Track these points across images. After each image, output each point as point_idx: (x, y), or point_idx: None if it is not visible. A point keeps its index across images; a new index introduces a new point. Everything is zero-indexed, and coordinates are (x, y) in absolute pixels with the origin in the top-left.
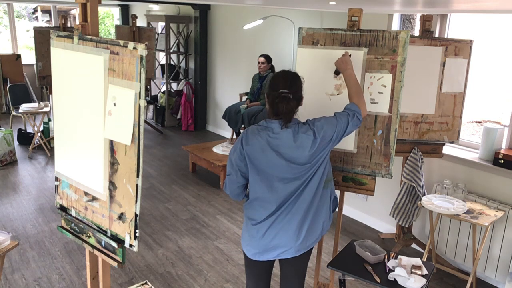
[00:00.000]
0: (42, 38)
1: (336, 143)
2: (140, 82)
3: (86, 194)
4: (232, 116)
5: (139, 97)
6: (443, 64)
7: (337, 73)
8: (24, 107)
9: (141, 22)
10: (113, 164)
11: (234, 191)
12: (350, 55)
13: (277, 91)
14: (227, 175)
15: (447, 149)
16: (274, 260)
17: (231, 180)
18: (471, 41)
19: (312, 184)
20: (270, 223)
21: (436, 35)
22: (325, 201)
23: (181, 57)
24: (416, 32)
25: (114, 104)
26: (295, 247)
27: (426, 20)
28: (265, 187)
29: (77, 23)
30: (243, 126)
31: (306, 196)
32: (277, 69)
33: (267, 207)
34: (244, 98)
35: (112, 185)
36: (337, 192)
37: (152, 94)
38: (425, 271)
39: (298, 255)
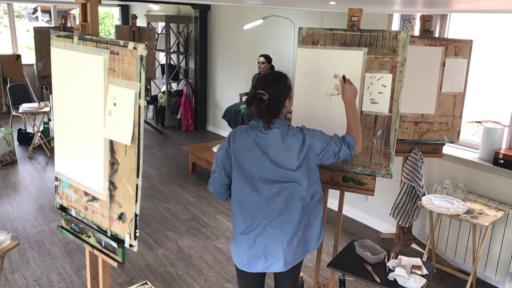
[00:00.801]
0: (42, 38)
1: (322, 161)
2: (140, 82)
3: (86, 194)
4: (232, 116)
5: (139, 97)
6: (443, 64)
7: (344, 78)
8: (24, 107)
9: (141, 22)
10: (113, 164)
11: (218, 190)
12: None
13: (255, 91)
14: (211, 173)
15: (447, 149)
16: (265, 273)
17: (215, 178)
18: (471, 41)
19: (300, 194)
20: (258, 232)
21: (436, 35)
22: (317, 217)
23: (181, 57)
24: (416, 32)
25: (114, 104)
26: (284, 259)
27: (426, 20)
28: (249, 187)
29: (77, 23)
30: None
31: (296, 208)
32: (277, 69)
33: (251, 210)
34: (244, 98)
35: (112, 185)
36: (337, 192)
37: (152, 94)
38: (425, 271)
39: (288, 269)
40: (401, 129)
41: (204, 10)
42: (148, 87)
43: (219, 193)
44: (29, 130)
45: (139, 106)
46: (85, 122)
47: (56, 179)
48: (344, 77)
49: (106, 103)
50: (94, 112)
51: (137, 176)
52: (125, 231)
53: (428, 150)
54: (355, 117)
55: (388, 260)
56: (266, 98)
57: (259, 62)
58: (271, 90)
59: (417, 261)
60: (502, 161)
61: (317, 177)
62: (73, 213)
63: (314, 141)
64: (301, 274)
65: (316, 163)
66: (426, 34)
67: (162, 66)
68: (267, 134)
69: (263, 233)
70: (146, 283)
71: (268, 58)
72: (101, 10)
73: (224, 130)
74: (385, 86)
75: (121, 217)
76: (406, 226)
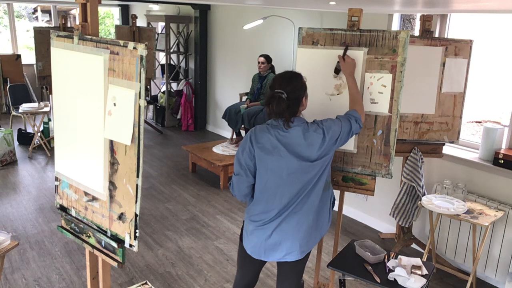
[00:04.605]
0: (42, 38)
1: (340, 145)
2: (140, 82)
3: (86, 194)
4: (232, 116)
5: (139, 97)
6: (443, 64)
7: (337, 72)
8: (24, 107)
9: (141, 22)
10: (113, 164)
11: (243, 191)
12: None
13: (273, 90)
14: (234, 175)
15: (447, 149)
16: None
17: (240, 180)
18: (471, 41)
19: (319, 185)
20: (277, 224)
21: (436, 35)
22: (326, 203)
23: (181, 57)
24: (416, 32)
25: (114, 104)
26: (300, 249)
27: (426, 20)
28: (274, 185)
29: (77, 23)
30: (243, 126)
31: (313, 198)
32: (277, 69)
33: (273, 207)
34: (244, 98)
35: (112, 185)
36: (337, 192)
37: (152, 94)
38: (425, 271)
39: (303, 257)
40: (401, 129)
41: (204, 10)
42: (148, 87)
43: (244, 194)
44: (29, 130)
45: (139, 106)
46: (85, 122)
47: (56, 179)
48: (346, 49)
49: (106, 103)
50: (94, 112)
51: (137, 176)
52: (125, 231)
53: (428, 150)
54: (357, 89)
55: (388, 260)
56: (285, 96)
57: (259, 62)
58: (289, 89)
59: (417, 261)
60: (502, 161)
61: (331, 160)
62: (73, 213)
63: (333, 131)
64: None
65: (335, 148)
66: (426, 34)
67: (162, 66)
68: (288, 132)
69: (281, 225)
70: (146, 283)
71: (268, 58)
72: (101, 10)
73: (224, 130)
74: (385, 86)
75: (121, 217)
76: (406, 226)
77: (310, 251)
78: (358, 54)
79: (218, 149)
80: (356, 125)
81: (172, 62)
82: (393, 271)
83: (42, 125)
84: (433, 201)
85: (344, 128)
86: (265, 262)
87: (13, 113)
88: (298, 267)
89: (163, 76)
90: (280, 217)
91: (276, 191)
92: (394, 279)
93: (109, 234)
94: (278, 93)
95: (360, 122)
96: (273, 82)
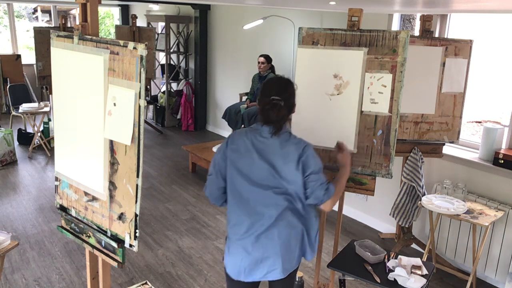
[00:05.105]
0: (42, 38)
1: (299, 186)
2: (140, 82)
3: (86, 194)
4: (232, 116)
5: (139, 97)
6: (443, 64)
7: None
8: (24, 107)
9: (141, 22)
10: (113, 164)
11: (213, 193)
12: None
13: (269, 97)
14: (208, 176)
15: (447, 149)
16: (259, 282)
17: (211, 181)
18: (471, 41)
19: (295, 204)
20: (255, 239)
21: (436, 35)
22: (313, 228)
23: (181, 57)
24: (416, 32)
25: (114, 104)
26: (282, 266)
27: (426, 20)
28: (244, 190)
29: (77, 23)
30: (243, 126)
31: (292, 215)
32: (277, 69)
33: (247, 215)
34: (244, 98)
35: (112, 185)
36: None
37: (152, 94)
38: (425, 271)
39: (286, 276)
40: (401, 129)
41: (204, 10)
42: (148, 87)
43: (214, 197)
44: (29, 130)
45: (139, 106)
46: (85, 122)
47: (56, 179)
48: (338, 144)
49: (106, 103)
50: (94, 112)
51: (137, 176)
52: (125, 231)
53: (428, 150)
54: (345, 179)
55: (388, 260)
56: (282, 104)
57: (259, 62)
58: (286, 96)
59: (417, 261)
60: (502, 161)
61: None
62: (73, 213)
63: (310, 158)
64: (301, 274)
65: (299, 186)
66: (426, 34)
67: (162, 66)
68: (267, 139)
69: (260, 239)
70: (146, 283)
71: (268, 58)
72: (101, 10)
73: (224, 130)
74: (385, 86)
75: (121, 217)
76: (406, 226)
77: (294, 273)
78: (358, 54)
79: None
80: (321, 192)
81: (172, 62)
82: (393, 271)
83: (42, 125)
84: (433, 201)
85: (319, 177)
86: (253, 284)
87: (13, 113)
88: (285, 285)
89: (163, 76)
90: (256, 230)
91: (247, 197)
92: (394, 279)
93: (109, 234)
94: (276, 101)
95: (326, 197)
96: (267, 89)
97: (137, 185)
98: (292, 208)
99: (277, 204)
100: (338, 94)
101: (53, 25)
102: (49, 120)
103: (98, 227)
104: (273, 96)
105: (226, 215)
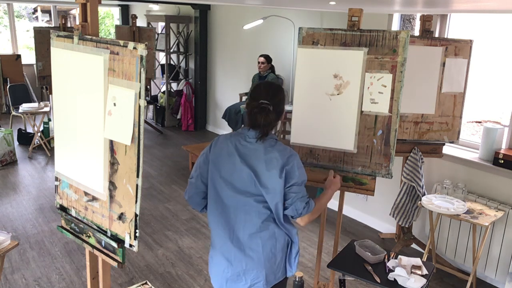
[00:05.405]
0: (42, 38)
1: (279, 196)
2: (140, 82)
3: (86, 194)
4: (232, 116)
5: (139, 97)
6: (443, 64)
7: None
8: (24, 107)
9: (141, 22)
10: (113, 164)
11: (193, 198)
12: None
13: (257, 101)
14: (189, 179)
15: (447, 149)
16: None
17: (191, 184)
18: (471, 41)
19: (276, 212)
20: (237, 248)
21: (436, 35)
22: (295, 241)
23: (181, 57)
24: (416, 32)
25: (114, 104)
26: (266, 279)
27: (426, 20)
28: (225, 196)
29: (77, 23)
30: (243, 126)
31: (276, 224)
32: (277, 69)
33: (229, 223)
34: (244, 98)
35: (112, 185)
36: (338, 192)
37: (152, 94)
38: (425, 271)
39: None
40: (401, 129)
41: (204, 10)
42: (148, 87)
43: (194, 201)
44: (29, 130)
45: (139, 106)
46: (85, 122)
47: (56, 179)
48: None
49: (106, 103)
50: (94, 112)
51: (137, 176)
52: (125, 231)
53: (428, 150)
54: (326, 202)
55: (388, 260)
56: (271, 108)
57: (259, 62)
58: (275, 101)
59: (417, 261)
60: (502, 161)
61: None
62: (73, 213)
63: (295, 168)
64: (301, 274)
65: (278, 194)
66: (426, 34)
67: (162, 66)
68: (250, 143)
69: (243, 250)
70: (146, 283)
71: (268, 58)
72: (101, 10)
73: (224, 130)
74: (385, 86)
75: (121, 217)
76: (406, 226)
77: (280, 282)
78: (358, 54)
79: None
80: (302, 205)
81: (172, 62)
82: (393, 271)
83: (42, 125)
84: (433, 201)
85: (300, 189)
86: None
87: (13, 113)
88: None
89: (163, 76)
90: (239, 239)
91: (228, 203)
92: (394, 279)
93: (109, 234)
94: (265, 105)
95: (305, 211)
96: (256, 93)
97: (137, 185)
98: (274, 218)
99: (259, 212)
100: (338, 94)
101: (53, 25)
102: (49, 120)
103: (98, 227)
104: (262, 100)
105: (208, 220)
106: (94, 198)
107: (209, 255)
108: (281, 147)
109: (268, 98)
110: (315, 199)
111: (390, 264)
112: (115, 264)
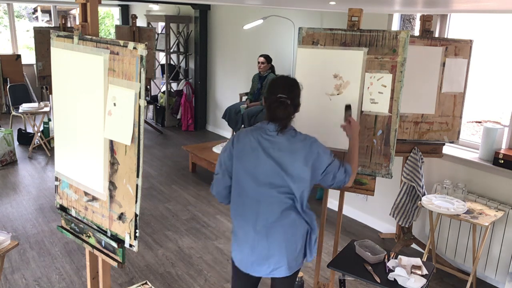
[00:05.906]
0: (42, 38)
1: (322, 181)
2: (140, 82)
3: (86, 194)
4: (232, 116)
5: (139, 97)
6: (443, 64)
7: (347, 110)
8: (24, 107)
9: (141, 22)
10: (113, 164)
11: (221, 193)
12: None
13: (276, 95)
14: (214, 175)
15: (447, 149)
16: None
17: (218, 180)
18: (471, 41)
19: (299, 201)
20: (262, 236)
21: (436, 35)
22: (315, 228)
23: (181, 57)
24: (416, 32)
25: (114, 104)
26: (288, 264)
27: (426, 20)
28: (250, 188)
29: (77, 23)
30: (243, 126)
31: (296, 214)
32: (277, 69)
33: (251, 213)
34: (244, 98)
35: (112, 185)
36: (337, 192)
37: (152, 94)
38: (425, 271)
39: (291, 273)
40: (401, 129)
41: (204, 10)
42: (148, 87)
43: (222, 196)
44: (29, 130)
45: (139, 106)
46: (85, 122)
47: (56, 179)
48: (348, 108)
49: (106, 103)
50: (94, 112)
51: (137, 176)
52: (125, 231)
53: (428, 150)
54: (357, 150)
55: (388, 260)
56: (289, 102)
57: (259, 62)
58: (292, 95)
59: (417, 261)
60: (502, 161)
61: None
62: (73, 213)
63: (321, 154)
64: (301, 274)
65: (317, 180)
66: (426, 34)
67: (162, 66)
68: (272, 136)
69: (265, 237)
70: (146, 283)
71: (268, 58)
72: (101, 10)
73: (224, 130)
74: (385, 86)
75: (121, 217)
76: (406, 226)
77: (298, 271)
78: (358, 54)
79: (218, 149)
80: (342, 174)
81: (172, 62)
82: (393, 271)
83: (42, 125)
84: (433, 201)
85: (334, 165)
86: (258, 282)
87: (13, 113)
88: (288, 283)
89: (163, 76)
90: (262, 228)
91: (252, 195)
92: (394, 279)
93: (109, 234)
94: (284, 99)
95: (348, 177)
96: (273, 87)
97: (137, 185)
98: (295, 207)
99: (281, 202)
100: (338, 94)
101: (53, 25)
102: (49, 120)
103: (98, 227)
104: (280, 94)
105: (230, 212)
106: (94, 198)
107: (232, 240)
108: (301, 137)
109: (286, 92)
110: (345, 158)
111: (390, 264)
112: (115, 264)
